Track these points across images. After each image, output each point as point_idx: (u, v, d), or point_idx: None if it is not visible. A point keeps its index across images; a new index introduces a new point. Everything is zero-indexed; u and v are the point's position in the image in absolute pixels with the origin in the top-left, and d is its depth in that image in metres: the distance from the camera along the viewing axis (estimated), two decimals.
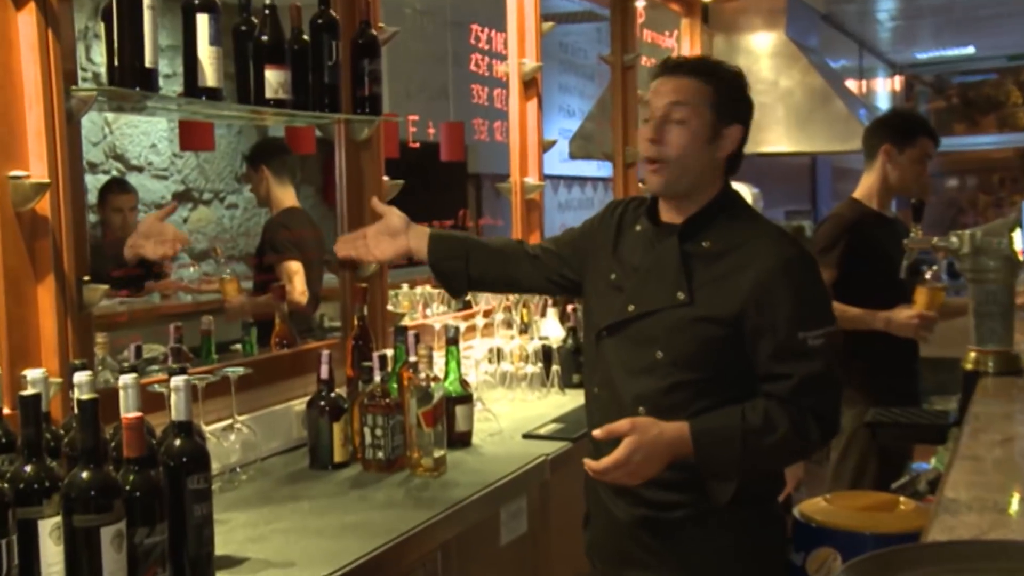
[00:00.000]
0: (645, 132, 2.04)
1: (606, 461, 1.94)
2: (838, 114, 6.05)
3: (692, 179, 2.04)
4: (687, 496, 2.04)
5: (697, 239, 2.04)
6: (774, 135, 6.13)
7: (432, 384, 2.44)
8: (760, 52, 6.28)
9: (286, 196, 3.63)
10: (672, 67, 2.06)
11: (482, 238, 2.48)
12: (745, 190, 2.73)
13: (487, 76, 4.27)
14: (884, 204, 3.80)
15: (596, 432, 2.02)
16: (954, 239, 2.87)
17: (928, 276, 3.49)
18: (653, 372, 2.02)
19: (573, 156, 6.26)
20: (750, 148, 2.17)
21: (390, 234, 2.38)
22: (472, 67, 4.23)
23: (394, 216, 2.39)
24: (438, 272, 2.36)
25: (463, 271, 2.33)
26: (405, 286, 3.43)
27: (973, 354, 2.82)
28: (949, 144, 13.10)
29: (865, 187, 3.82)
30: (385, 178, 3.00)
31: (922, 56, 11.99)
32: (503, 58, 4.04)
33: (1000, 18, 9.57)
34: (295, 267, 3.38)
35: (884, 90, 11.69)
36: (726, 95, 2.04)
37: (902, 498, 2.40)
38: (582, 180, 6.84)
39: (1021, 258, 2.83)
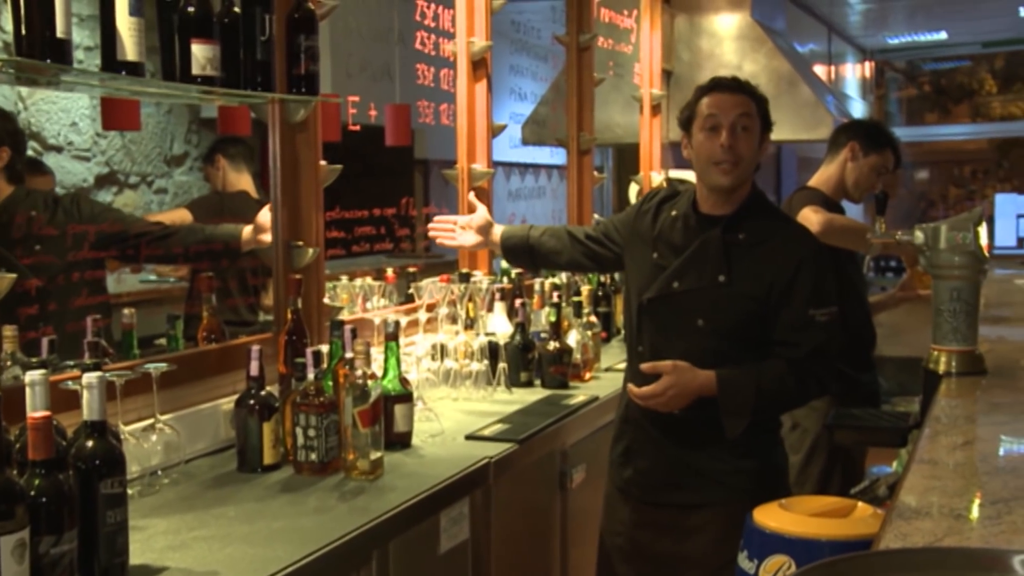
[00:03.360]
0: (718, 139, 2.63)
1: (647, 389, 2.61)
2: (805, 101, 6.11)
3: (749, 175, 2.72)
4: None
5: (735, 231, 2.66)
6: None
7: (369, 382, 2.43)
8: (724, 34, 6.32)
9: (240, 181, 3.78)
10: (735, 86, 2.70)
11: (543, 229, 3.17)
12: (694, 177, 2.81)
13: (434, 55, 4.24)
14: (837, 197, 3.95)
15: (644, 365, 2.65)
16: (919, 233, 2.90)
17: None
18: (694, 336, 2.66)
19: (525, 142, 6.27)
20: None
21: (476, 227, 3.27)
22: (417, 45, 4.20)
23: (483, 213, 3.32)
24: (512, 264, 3.53)
25: (531, 264, 3.33)
26: (344, 278, 3.41)
27: (935, 353, 2.85)
28: (920, 134, 13.29)
29: (824, 178, 3.98)
30: (322, 162, 2.98)
31: (893, 41, 12.14)
32: (451, 36, 4.03)
33: (975, 1, 9.70)
34: (182, 212, 3.82)
35: (854, 76, 11.82)
36: (765, 110, 2.72)
37: (860, 503, 2.42)
38: (535, 167, 6.86)
39: (987, 254, 2.86)
